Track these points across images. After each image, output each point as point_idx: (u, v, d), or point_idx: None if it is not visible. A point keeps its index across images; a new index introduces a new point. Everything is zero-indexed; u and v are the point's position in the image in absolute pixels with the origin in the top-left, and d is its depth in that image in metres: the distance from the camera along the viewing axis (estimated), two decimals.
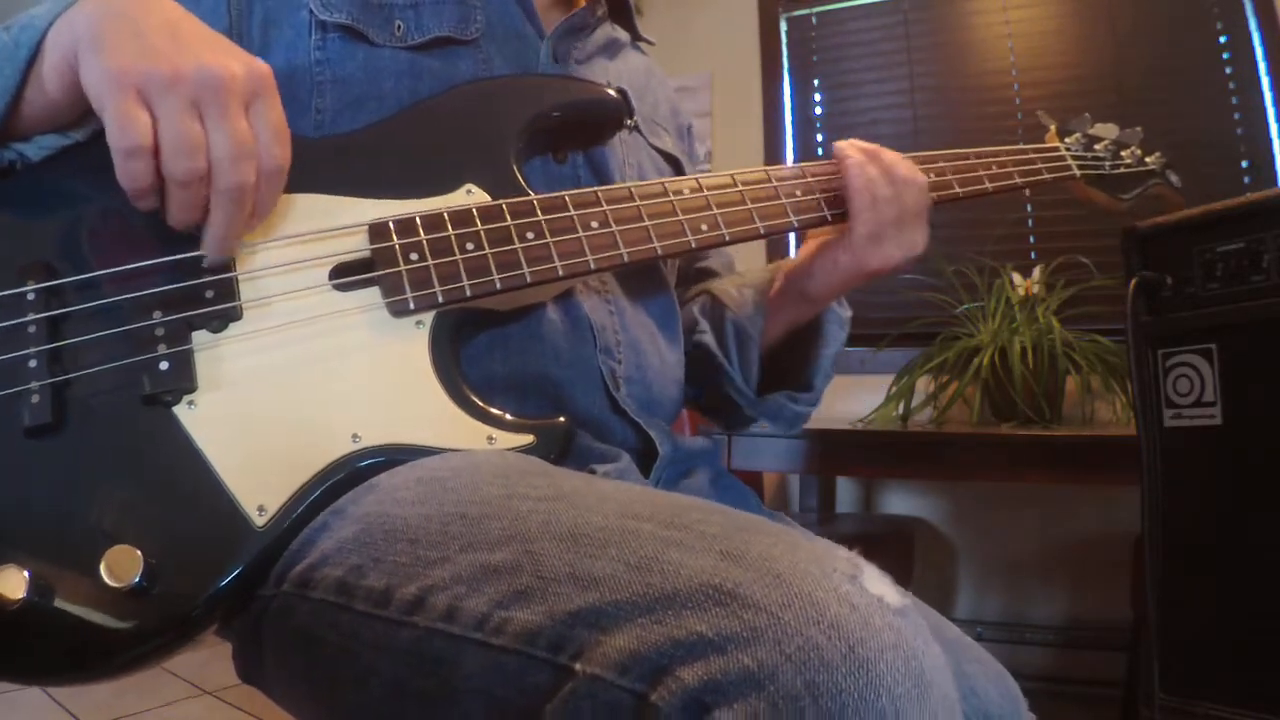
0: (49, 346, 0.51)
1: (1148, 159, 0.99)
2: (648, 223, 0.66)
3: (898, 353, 2.11)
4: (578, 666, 0.39)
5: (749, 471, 2.04)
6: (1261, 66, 2.13)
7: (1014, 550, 2.21)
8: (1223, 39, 2.19)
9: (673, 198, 0.68)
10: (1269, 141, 2.12)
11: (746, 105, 2.64)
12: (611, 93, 0.70)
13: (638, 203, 0.66)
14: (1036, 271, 1.97)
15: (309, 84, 0.65)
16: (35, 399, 0.50)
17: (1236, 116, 2.16)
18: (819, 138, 2.60)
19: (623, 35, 0.87)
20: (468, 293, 0.59)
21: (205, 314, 0.54)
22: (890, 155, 0.76)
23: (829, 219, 0.75)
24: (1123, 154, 0.98)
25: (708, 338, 0.85)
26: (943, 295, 2.08)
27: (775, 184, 0.73)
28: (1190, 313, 1.05)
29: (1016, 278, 1.96)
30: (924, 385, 2.02)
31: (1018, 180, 0.86)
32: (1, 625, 0.46)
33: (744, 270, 0.93)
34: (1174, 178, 1.00)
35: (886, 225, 0.74)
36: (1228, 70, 2.18)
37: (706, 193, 0.69)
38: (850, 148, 0.76)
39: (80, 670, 0.48)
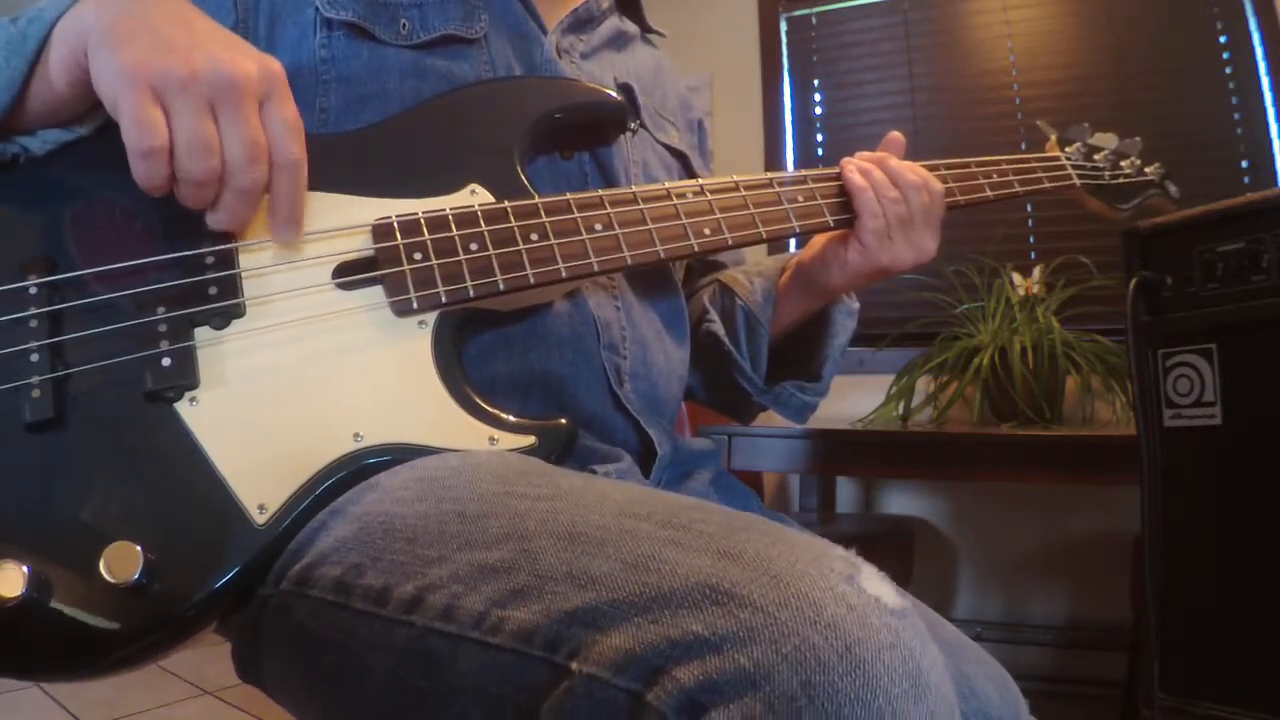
0: (51, 341, 0.51)
1: (1147, 169, 1.00)
2: (651, 225, 0.66)
3: (898, 353, 2.11)
4: (574, 665, 0.39)
5: (749, 471, 2.04)
6: (1261, 66, 2.13)
7: (1014, 550, 2.21)
8: (1223, 39, 2.19)
9: (675, 201, 0.68)
10: (1269, 141, 2.12)
11: (746, 105, 2.64)
12: (614, 95, 0.71)
13: (641, 206, 0.66)
14: (1036, 271, 1.97)
15: (314, 82, 0.65)
16: (36, 393, 0.50)
17: (1236, 116, 2.16)
18: (819, 138, 2.60)
19: (631, 28, 0.87)
20: (471, 293, 0.59)
21: (208, 310, 0.54)
22: (897, 162, 0.77)
23: (831, 225, 0.75)
24: (1122, 164, 0.98)
25: (716, 325, 0.85)
26: (943, 295, 2.08)
27: (778, 188, 0.73)
28: (1190, 313, 1.05)
29: (1016, 278, 1.96)
30: (924, 385, 2.02)
31: (1018, 189, 0.86)
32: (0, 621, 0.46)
33: (754, 261, 0.93)
34: (1173, 188, 1.00)
35: (893, 226, 0.75)
36: (1228, 70, 2.18)
37: (709, 196, 0.69)
38: (851, 158, 0.78)
39: (78, 666, 0.48)
